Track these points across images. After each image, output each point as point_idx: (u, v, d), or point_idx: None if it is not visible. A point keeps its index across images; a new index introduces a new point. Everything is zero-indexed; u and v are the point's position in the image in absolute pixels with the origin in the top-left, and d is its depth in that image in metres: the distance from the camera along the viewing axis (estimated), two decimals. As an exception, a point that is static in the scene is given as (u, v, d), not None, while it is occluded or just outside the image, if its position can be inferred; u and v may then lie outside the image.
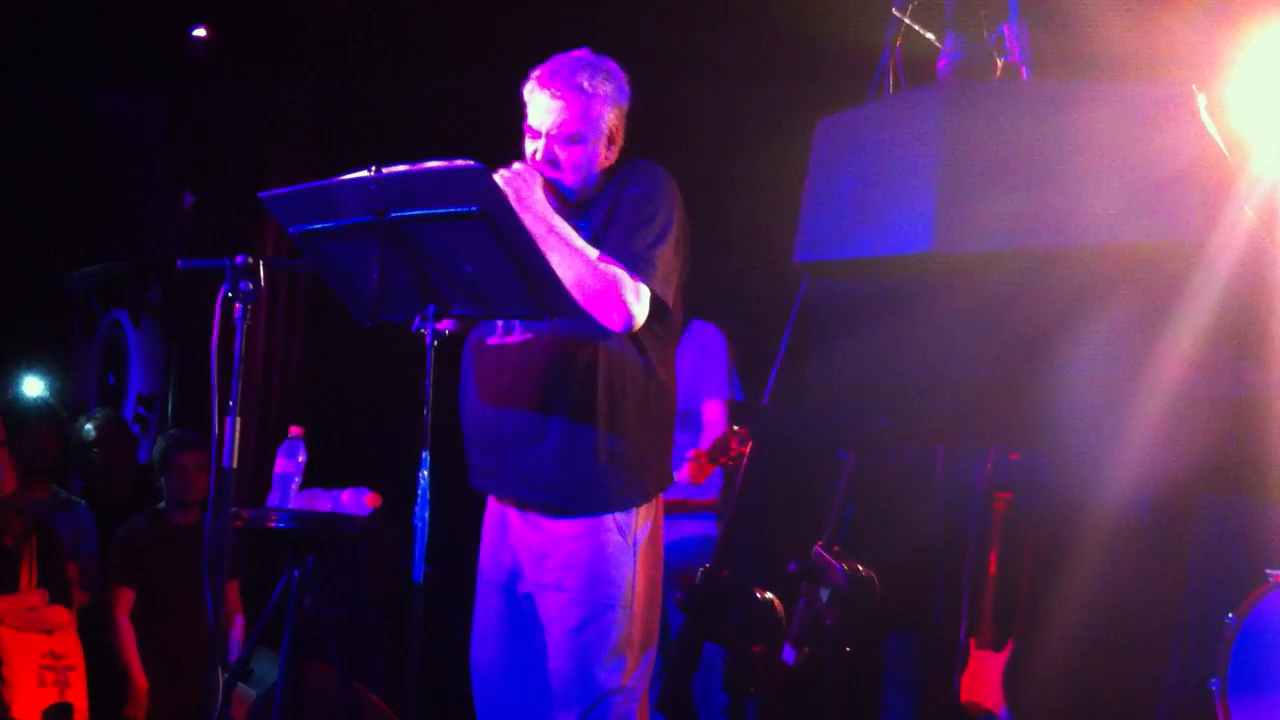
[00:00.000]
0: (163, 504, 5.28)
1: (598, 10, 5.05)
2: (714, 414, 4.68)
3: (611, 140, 3.07)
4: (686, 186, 3.08)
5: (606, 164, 3.08)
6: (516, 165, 2.93)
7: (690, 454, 4.36)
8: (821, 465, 4.38)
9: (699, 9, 5.22)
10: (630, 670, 3.00)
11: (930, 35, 2.75)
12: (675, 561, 4.19)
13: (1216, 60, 3.76)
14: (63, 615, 4.85)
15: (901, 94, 2.65)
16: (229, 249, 2.97)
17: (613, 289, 2.86)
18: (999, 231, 2.19)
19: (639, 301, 2.89)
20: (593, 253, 2.89)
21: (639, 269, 2.91)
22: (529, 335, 3.04)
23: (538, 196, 2.89)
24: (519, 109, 3.09)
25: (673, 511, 4.39)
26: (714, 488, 4.63)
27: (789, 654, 3.18)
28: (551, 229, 2.85)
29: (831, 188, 2.35)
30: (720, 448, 4.25)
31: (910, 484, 4.33)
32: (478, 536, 3.21)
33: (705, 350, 4.69)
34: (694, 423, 4.62)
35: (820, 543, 3.08)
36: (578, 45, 3.10)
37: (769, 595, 3.10)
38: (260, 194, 2.81)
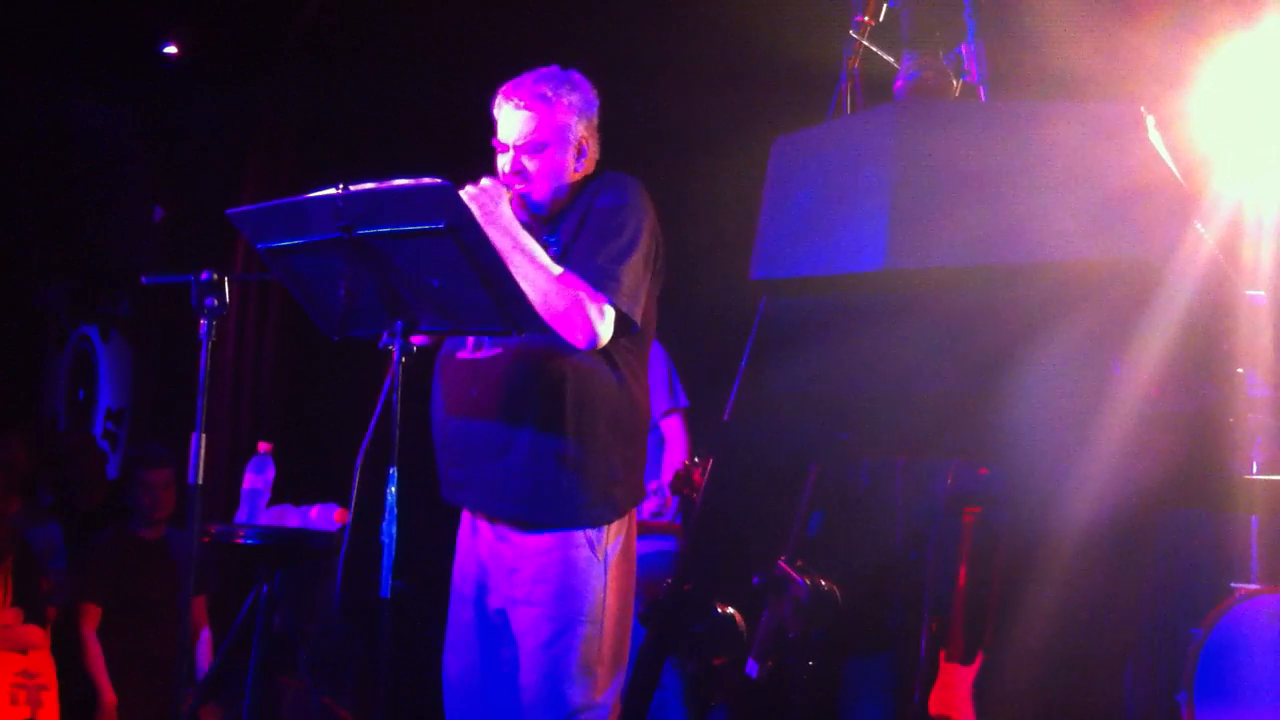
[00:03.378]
0: (129, 520, 5.27)
1: (567, 18, 5.07)
2: (674, 427, 4.69)
3: (580, 150, 3.08)
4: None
5: (577, 175, 3.09)
6: (484, 181, 2.94)
7: (652, 487, 4.36)
8: (783, 480, 4.39)
9: (664, 23, 5.24)
10: (600, 686, 3.00)
11: (888, 56, 2.77)
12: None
13: (1179, 78, 3.80)
14: (37, 634, 4.84)
15: (857, 113, 2.67)
16: (200, 262, 2.97)
17: (576, 307, 2.86)
18: (954, 248, 2.21)
19: (603, 320, 2.90)
20: (557, 270, 2.89)
21: (604, 286, 2.91)
22: (498, 349, 3.04)
23: (503, 211, 2.90)
24: (490, 122, 3.11)
25: (643, 533, 4.41)
26: (670, 511, 4.65)
27: (752, 667, 3.19)
28: (517, 245, 2.85)
29: (787, 205, 2.36)
30: (682, 480, 4.26)
31: (873, 498, 4.34)
32: (449, 550, 3.21)
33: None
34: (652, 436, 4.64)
35: (783, 557, 3.09)
36: (546, 54, 3.12)
37: (731, 609, 3.11)
38: (228, 211, 2.81)
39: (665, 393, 4.74)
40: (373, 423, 2.66)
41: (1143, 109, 2.21)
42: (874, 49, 2.77)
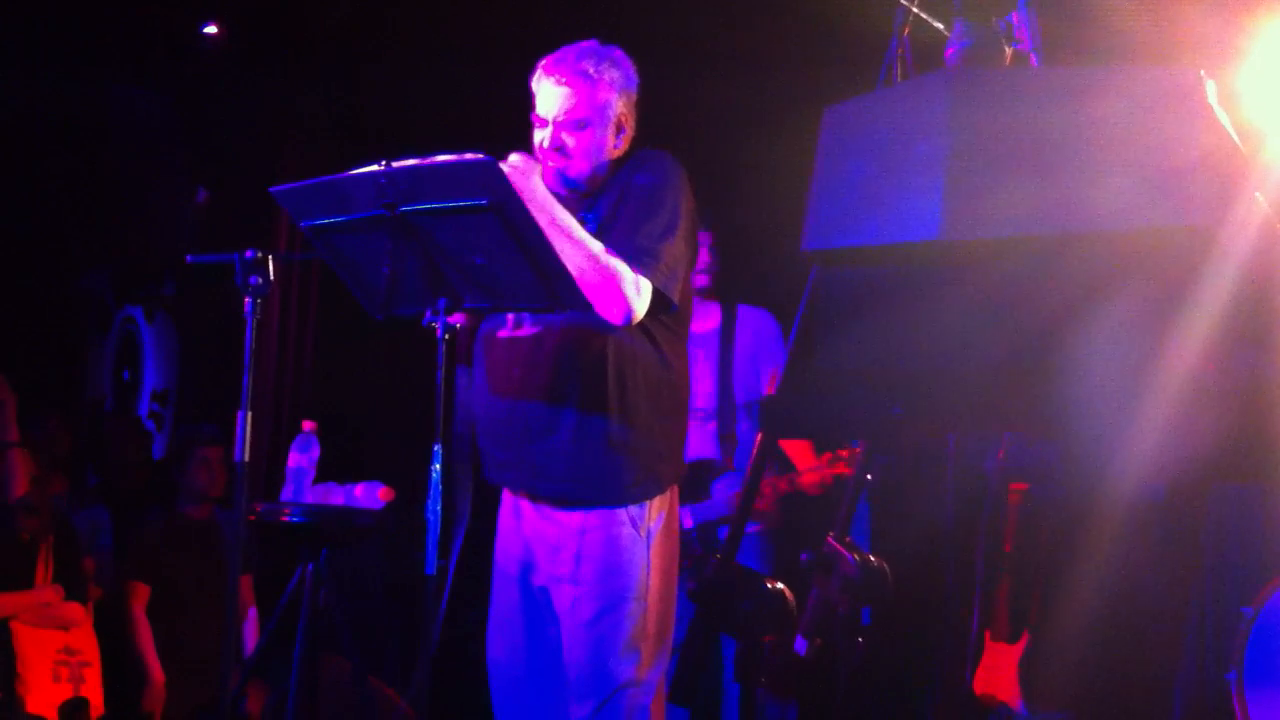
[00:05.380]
0: (178, 499, 5.31)
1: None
2: None
3: (620, 128, 3.07)
4: (695, 175, 3.08)
5: (616, 153, 3.07)
6: (514, 157, 2.92)
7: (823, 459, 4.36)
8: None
9: (707, -3, 5.22)
10: (645, 663, 3.00)
11: (939, 24, 2.74)
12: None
13: (1230, 47, 3.73)
14: (78, 611, 4.88)
15: (909, 81, 2.64)
16: (242, 243, 2.98)
17: (613, 282, 2.85)
18: (1008, 219, 2.18)
19: (639, 295, 2.88)
20: (595, 244, 2.88)
21: (641, 262, 2.90)
22: (539, 328, 3.04)
23: (537, 186, 2.88)
24: (527, 98, 3.09)
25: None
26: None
27: (801, 645, 3.18)
28: (553, 220, 2.84)
29: (839, 176, 2.33)
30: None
31: (924, 473, 4.32)
32: (494, 528, 3.21)
33: (760, 336, 4.62)
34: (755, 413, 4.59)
35: (832, 533, 3.07)
36: (588, 36, 3.10)
37: (780, 585, 3.10)
38: (271, 189, 2.82)
39: (782, 365, 4.70)
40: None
41: (1202, 73, 2.17)
42: (925, 16, 2.74)
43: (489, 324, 3.15)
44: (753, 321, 4.64)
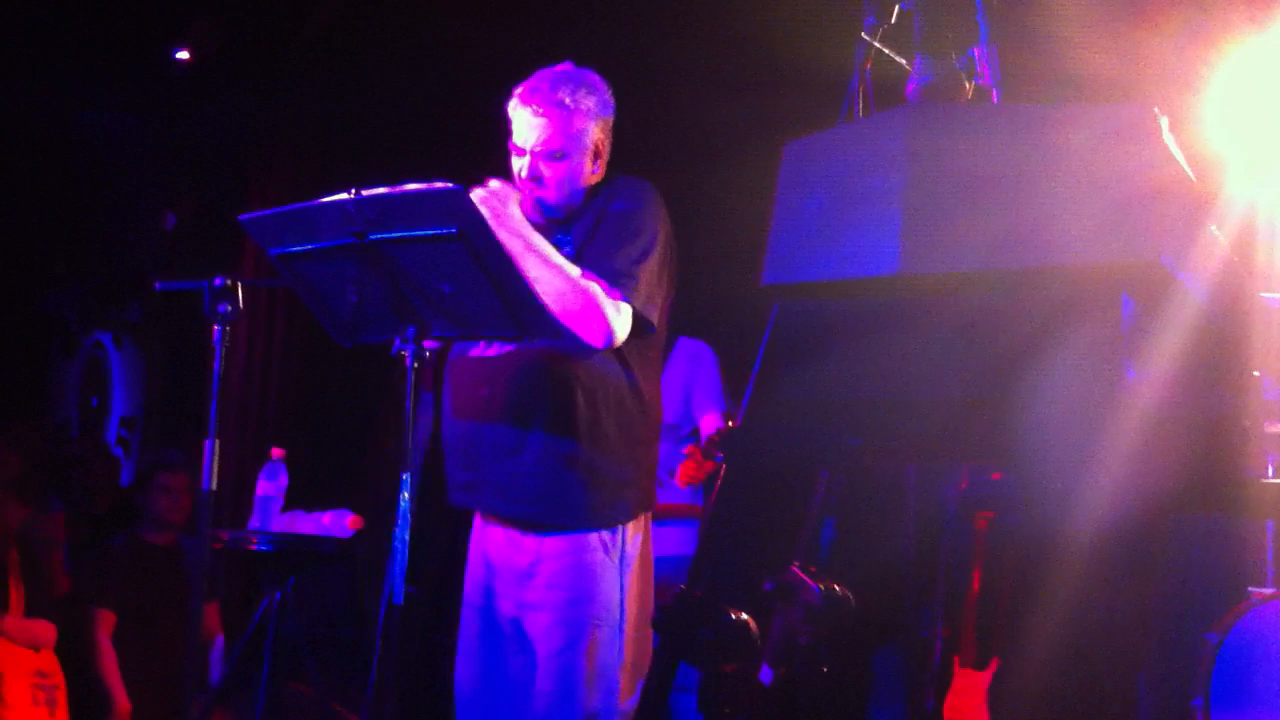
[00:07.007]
0: (141, 525, 5.27)
1: (577, 23, 5.07)
2: (712, 426, 4.70)
3: (597, 154, 3.08)
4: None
5: (593, 179, 3.08)
6: (493, 183, 2.94)
7: (686, 449, 4.39)
8: (795, 485, 4.37)
9: (675, 28, 5.25)
10: (620, 692, 2.99)
11: (901, 59, 2.76)
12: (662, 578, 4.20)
13: (1192, 80, 3.79)
14: (50, 631, 4.83)
15: (869, 116, 2.67)
16: (211, 266, 2.97)
17: (592, 305, 2.86)
18: (967, 253, 2.20)
19: (619, 318, 2.89)
20: (573, 269, 2.89)
21: (620, 285, 2.91)
22: (510, 348, 3.03)
23: (514, 213, 2.89)
24: (501, 124, 3.10)
25: (666, 516, 4.42)
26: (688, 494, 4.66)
27: (766, 674, 3.17)
28: (529, 246, 2.85)
29: (798, 210, 2.35)
30: (716, 444, 4.27)
31: (885, 503, 4.33)
32: (463, 555, 3.20)
33: (698, 363, 4.71)
34: (690, 436, 4.65)
35: (796, 562, 3.08)
36: (556, 59, 3.11)
37: (743, 615, 3.10)
38: (240, 217, 2.82)
39: (718, 392, 4.76)
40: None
41: (1156, 110, 2.20)
42: (886, 52, 2.77)
43: (460, 345, 3.15)
44: (690, 349, 4.73)
